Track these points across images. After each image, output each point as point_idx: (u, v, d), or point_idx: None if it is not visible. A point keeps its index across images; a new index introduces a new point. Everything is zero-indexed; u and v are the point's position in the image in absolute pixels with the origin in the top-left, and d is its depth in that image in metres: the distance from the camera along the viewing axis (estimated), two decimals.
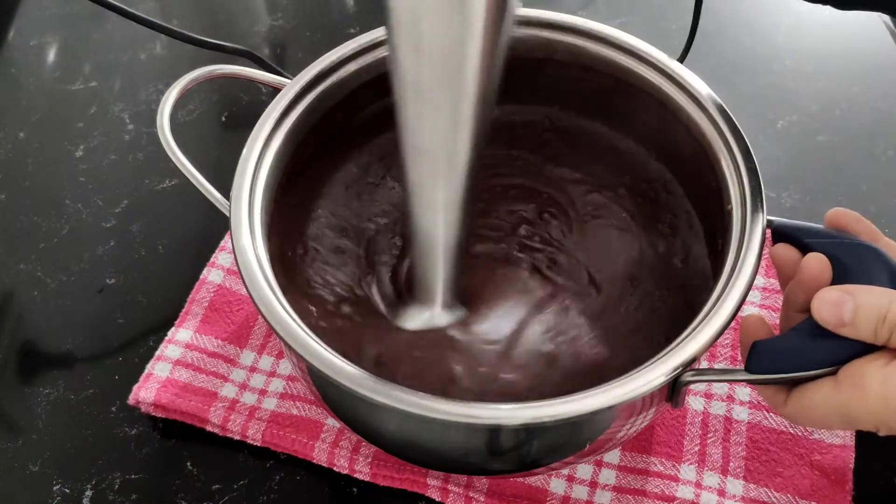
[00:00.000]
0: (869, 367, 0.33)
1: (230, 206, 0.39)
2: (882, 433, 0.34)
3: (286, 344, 0.35)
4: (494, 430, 0.35)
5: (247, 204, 0.40)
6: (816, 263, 0.36)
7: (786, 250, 0.39)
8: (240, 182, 0.40)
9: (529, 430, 0.35)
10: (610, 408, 0.33)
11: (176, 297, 0.51)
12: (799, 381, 0.36)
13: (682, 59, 0.46)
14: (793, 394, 0.36)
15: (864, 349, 0.34)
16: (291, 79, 0.45)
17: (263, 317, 0.36)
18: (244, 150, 0.42)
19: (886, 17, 0.57)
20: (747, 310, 0.50)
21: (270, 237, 0.41)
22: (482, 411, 0.33)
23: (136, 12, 0.55)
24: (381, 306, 0.45)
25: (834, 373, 0.34)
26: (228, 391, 0.47)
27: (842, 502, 0.43)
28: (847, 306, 0.33)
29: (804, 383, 0.35)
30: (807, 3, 0.40)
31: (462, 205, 0.38)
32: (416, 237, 0.40)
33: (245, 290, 0.37)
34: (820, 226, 0.38)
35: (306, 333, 0.35)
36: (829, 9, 0.39)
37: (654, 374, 0.34)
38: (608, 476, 0.44)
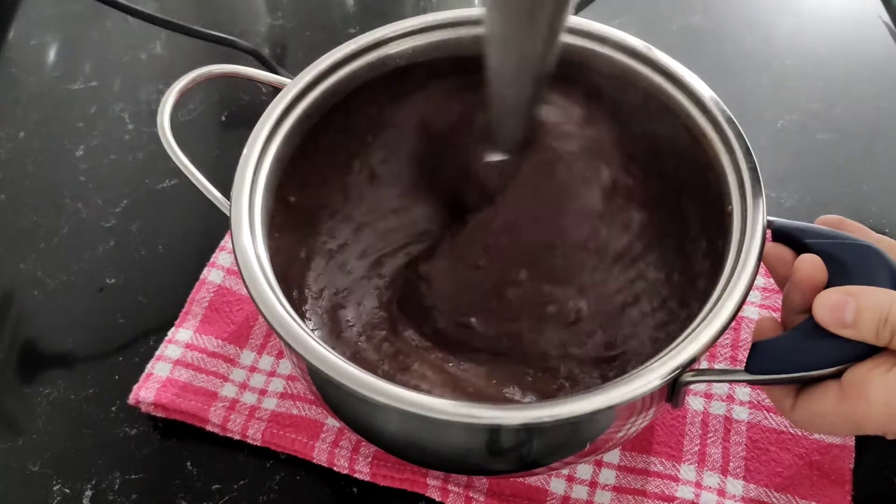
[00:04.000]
0: (872, 375, 0.33)
1: (230, 206, 0.39)
2: (890, 437, 0.34)
3: (286, 344, 0.35)
4: (494, 430, 0.35)
5: (247, 203, 0.40)
6: (810, 264, 0.36)
7: (777, 250, 0.39)
8: (240, 182, 0.40)
9: (529, 430, 0.35)
10: (610, 408, 0.33)
11: (176, 297, 0.51)
12: (800, 382, 0.36)
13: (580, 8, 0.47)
14: (799, 401, 0.36)
15: (865, 350, 0.33)
16: (292, 79, 0.45)
17: (263, 316, 0.36)
18: (245, 150, 0.41)
19: (886, 17, 0.57)
20: (747, 310, 0.50)
21: (271, 236, 0.41)
22: (482, 411, 0.33)
23: (141, 9, 0.55)
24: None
25: (836, 374, 0.34)
26: (228, 391, 0.47)
27: (841, 502, 0.43)
28: (848, 308, 0.33)
29: (809, 390, 0.35)
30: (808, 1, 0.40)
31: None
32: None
33: (245, 289, 0.37)
34: (820, 226, 0.38)
35: (306, 333, 0.35)
36: (829, 8, 0.39)
37: (653, 375, 0.34)
38: (608, 476, 0.44)
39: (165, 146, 0.43)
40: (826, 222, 0.39)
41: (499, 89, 0.42)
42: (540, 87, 0.42)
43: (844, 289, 0.34)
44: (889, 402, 0.32)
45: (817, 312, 0.34)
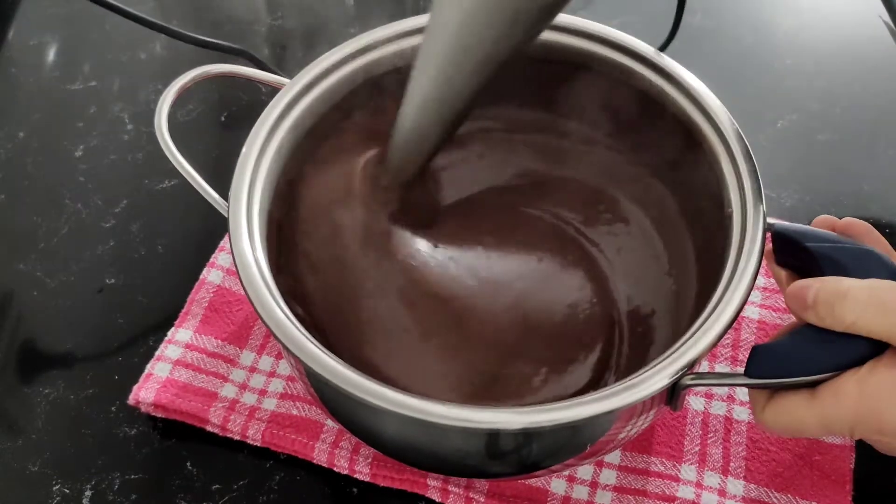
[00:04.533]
0: (848, 372, 0.33)
1: (229, 207, 0.39)
2: (856, 437, 0.34)
3: (286, 349, 0.35)
4: (493, 435, 0.35)
5: (245, 205, 0.40)
6: (791, 293, 0.36)
7: (777, 273, 0.39)
8: (238, 183, 0.40)
9: (528, 434, 0.35)
10: (610, 412, 0.33)
11: (176, 297, 0.51)
12: (800, 387, 0.35)
13: (664, 48, 0.46)
14: (771, 401, 0.35)
15: (864, 355, 0.33)
16: (290, 78, 0.45)
17: (262, 320, 0.36)
18: (244, 149, 0.41)
19: (886, 17, 0.57)
20: (748, 310, 0.50)
21: (269, 237, 0.41)
22: (480, 415, 0.33)
23: (134, 12, 0.55)
24: None
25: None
26: (228, 391, 0.47)
27: (842, 502, 0.43)
28: (811, 291, 0.34)
29: (782, 391, 0.35)
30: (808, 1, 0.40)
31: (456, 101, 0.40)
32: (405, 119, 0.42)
33: (243, 291, 0.37)
34: (821, 229, 0.38)
35: (305, 337, 0.35)
36: (829, 8, 0.39)
37: (654, 379, 0.34)
38: (609, 476, 0.44)
39: (163, 147, 0.43)
40: (820, 223, 0.39)
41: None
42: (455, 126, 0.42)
43: (815, 278, 0.35)
44: (863, 395, 0.32)
45: (787, 300, 0.35)
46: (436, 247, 0.45)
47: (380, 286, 0.43)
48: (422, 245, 0.45)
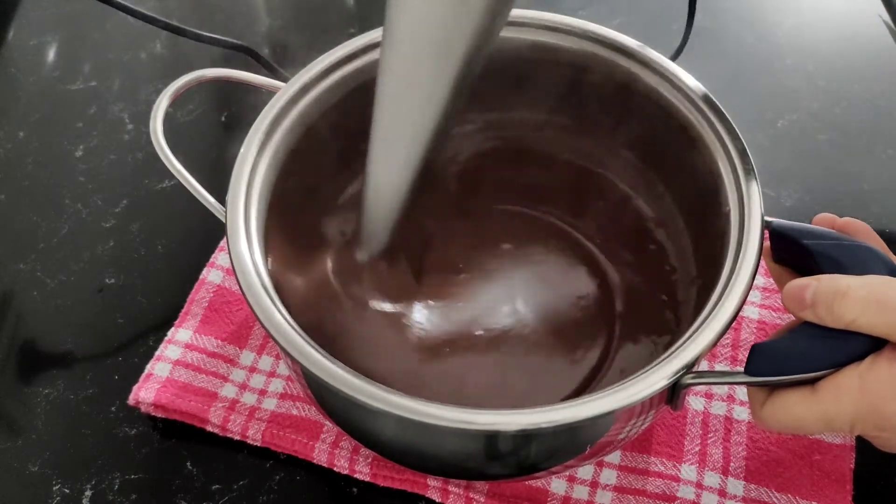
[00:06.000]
0: (848, 367, 0.33)
1: (226, 212, 0.39)
2: (856, 433, 0.34)
3: (285, 352, 0.35)
4: (492, 436, 0.35)
5: (243, 209, 0.39)
6: (789, 293, 0.36)
7: (777, 273, 0.39)
8: (236, 187, 0.40)
9: (528, 436, 0.35)
10: (609, 413, 0.33)
11: (176, 297, 0.51)
12: (800, 384, 0.35)
13: (675, 58, 0.46)
14: (770, 398, 0.35)
15: (864, 351, 0.33)
16: (288, 79, 0.44)
17: (262, 324, 0.36)
18: (240, 152, 0.41)
19: (887, 17, 0.57)
20: (747, 310, 0.50)
21: (268, 241, 0.41)
22: (479, 417, 0.33)
23: (135, 7, 0.55)
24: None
25: None
26: (228, 391, 0.47)
27: (842, 502, 0.43)
28: (809, 290, 0.34)
29: (782, 387, 0.35)
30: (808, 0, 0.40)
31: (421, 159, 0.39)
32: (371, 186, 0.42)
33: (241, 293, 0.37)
34: (819, 227, 0.38)
35: (304, 340, 0.35)
36: (829, 7, 0.39)
37: (654, 379, 0.34)
38: (609, 476, 0.44)
39: (159, 152, 0.43)
40: (820, 221, 0.39)
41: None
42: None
43: (812, 277, 0.34)
44: (863, 390, 0.32)
45: (784, 300, 0.35)
46: (428, 304, 0.46)
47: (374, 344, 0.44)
48: (415, 313, 0.45)
